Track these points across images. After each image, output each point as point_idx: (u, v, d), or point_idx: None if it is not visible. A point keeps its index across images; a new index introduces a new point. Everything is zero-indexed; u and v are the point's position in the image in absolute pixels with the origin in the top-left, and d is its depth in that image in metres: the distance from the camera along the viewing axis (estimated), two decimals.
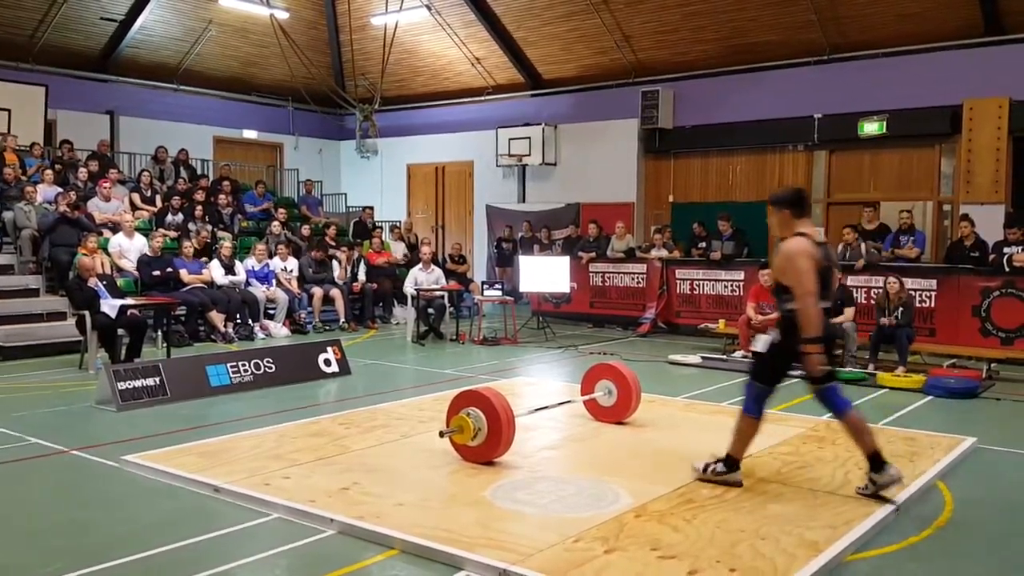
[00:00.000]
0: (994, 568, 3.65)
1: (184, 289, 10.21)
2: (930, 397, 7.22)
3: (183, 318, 10.07)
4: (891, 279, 8.54)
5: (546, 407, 5.65)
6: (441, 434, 4.93)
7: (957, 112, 11.25)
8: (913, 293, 9.05)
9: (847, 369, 8.28)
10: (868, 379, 7.91)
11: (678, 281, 11.60)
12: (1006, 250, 9.24)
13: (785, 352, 4.25)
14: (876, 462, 4.21)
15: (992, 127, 10.99)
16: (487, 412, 4.75)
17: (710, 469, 4.47)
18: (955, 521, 4.13)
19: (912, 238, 10.15)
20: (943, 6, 11.26)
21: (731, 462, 4.43)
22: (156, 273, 10.09)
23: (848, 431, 4.32)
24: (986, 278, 9.15)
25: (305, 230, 12.89)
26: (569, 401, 6.05)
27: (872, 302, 9.16)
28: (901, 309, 8.36)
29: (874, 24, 11.80)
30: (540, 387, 7.58)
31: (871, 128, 11.84)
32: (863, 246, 10.07)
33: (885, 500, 4.18)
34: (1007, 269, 9.09)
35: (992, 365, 8.37)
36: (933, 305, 9.39)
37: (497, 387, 6.03)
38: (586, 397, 5.93)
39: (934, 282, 9.43)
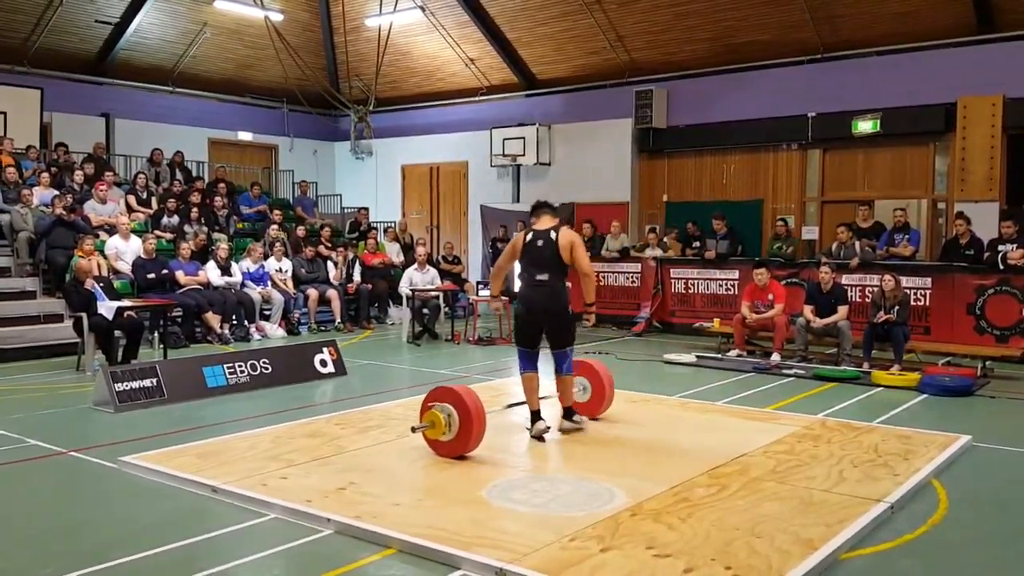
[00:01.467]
0: (988, 566, 3.67)
1: (180, 291, 10.22)
2: (925, 395, 7.23)
3: (179, 320, 10.07)
4: (887, 277, 8.55)
5: (522, 402, 5.75)
6: (413, 429, 5.05)
7: (951, 110, 11.28)
8: (908, 291, 9.08)
9: (841, 368, 8.33)
10: (862, 377, 7.93)
11: (673, 280, 11.62)
12: (1000, 248, 9.28)
13: (520, 317, 5.55)
14: (569, 412, 5.56)
15: (986, 125, 11.02)
16: (458, 408, 4.88)
17: (528, 424, 5.49)
18: (949, 519, 4.15)
19: (907, 236, 10.19)
20: (936, 4, 11.29)
21: (533, 416, 5.47)
22: (151, 276, 10.09)
23: (558, 387, 5.63)
24: (981, 276, 9.19)
25: (300, 231, 12.89)
26: (546, 397, 6.07)
27: (867, 300, 9.19)
28: (897, 307, 8.39)
29: (867, 22, 11.84)
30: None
31: (865, 127, 11.88)
32: (857, 244, 10.10)
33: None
34: (1002, 267, 9.13)
35: (987, 363, 8.39)
36: (928, 303, 9.43)
37: (492, 387, 6.05)
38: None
39: (929, 280, 9.46)
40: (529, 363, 5.55)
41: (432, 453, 5.06)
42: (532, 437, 5.45)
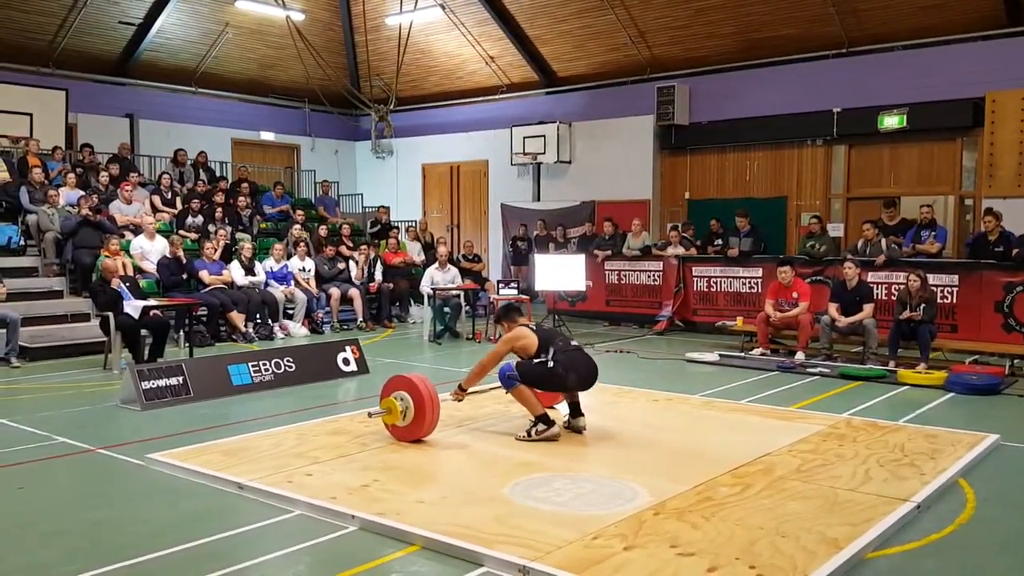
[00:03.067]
0: (1016, 565, 3.62)
1: (205, 290, 10.33)
2: (952, 394, 7.15)
3: (204, 319, 10.17)
4: (912, 278, 8.40)
5: (480, 391, 5.97)
6: (370, 414, 5.41)
7: (979, 105, 11.11)
8: (935, 289, 8.96)
9: (867, 366, 8.24)
10: (889, 376, 7.84)
11: (695, 278, 11.55)
12: None
13: (562, 379, 5.44)
14: (546, 420, 5.38)
15: (1015, 119, 10.84)
16: (413, 396, 5.21)
17: (533, 431, 5.35)
18: (977, 518, 4.10)
19: (933, 233, 10.04)
20: None
21: (544, 419, 5.38)
22: (175, 276, 10.20)
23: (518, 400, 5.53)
24: (1009, 273, 9.03)
25: (322, 231, 12.98)
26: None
27: (893, 298, 9.08)
28: (923, 305, 8.27)
29: (893, 16, 11.69)
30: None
31: (891, 122, 11.73)
32: (883, 242, 9.97)
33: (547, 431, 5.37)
34: None
35: (1015, 361, 8.27)
36: (955, 301, 9.29)
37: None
38: None
39: (956, 277, 9.32)
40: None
41: (457, 451, 5.11)
42: (538, 439, 5.33)
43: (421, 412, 5.19)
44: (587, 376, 5.52)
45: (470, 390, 5.73)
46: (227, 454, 5.06)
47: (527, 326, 5.70)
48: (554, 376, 5.40)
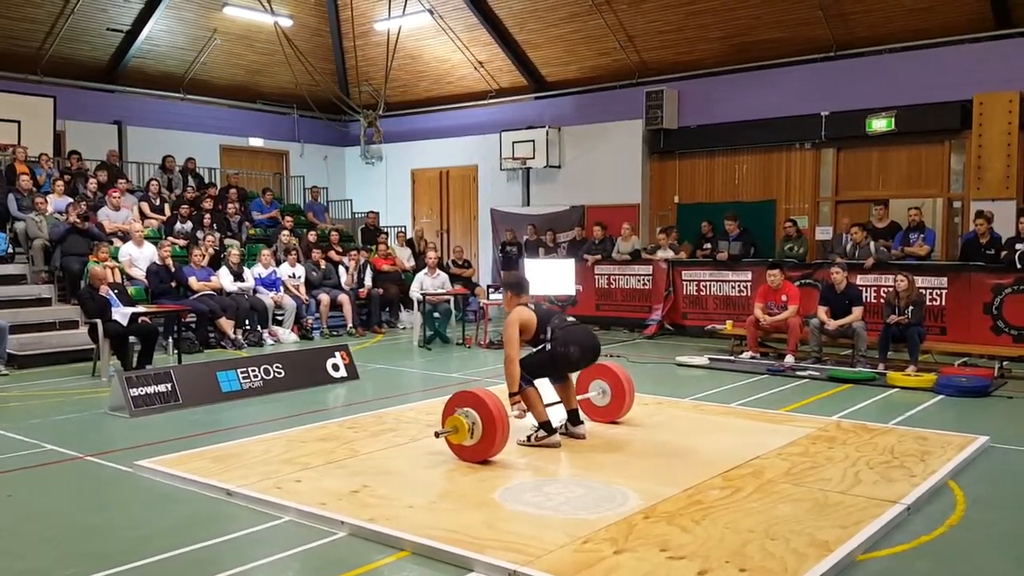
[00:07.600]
0: (1006, 566, 3.63)
1: (193, 296, 10.28)
2: (941, 396, 7.18)
3: (193, 325, 10.12)
4: (900, 277, 8.49)
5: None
6: (437, 434, 5.03)
7: (967, 107, 11.18)
8: (923, 291, 9.01)
9: (856, 369, 8.27)
10: (878, 379, 7.87)
11: (684, 282, 11.58)
12: (1018, 246, 9.19)
13: (565, 359, 5.42)
14: (548, 428, 5.35)
15: (1003, 122, 10.91)
16: (481, 412, 4.88)
17: (533, 437, 5.34)
18: (967, 520, 4.11)
19: (922, 235, 10.11)
20: (951, 0, 11.20)
21: (546, 427, 5.35)
22: (164, 283, 10.15)
23: (568, 391, 5.64)
24: (998, 275, 9.09)
25: (312, 236, 12.94)
26: (560, 401, 6.04)
27: (882, 301, 9.12)
28: (911, 307, 8.32)
29: (881, 19, 11.76)
30: (541, 389, 7.56)
31: (879, 125, 11.78)
32: (872, 244, 10.03)
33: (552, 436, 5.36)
34: (1019, 266, 9.04)
35: (1004, 363, 8.31)
36: (944, 303, 9.34)
37: (504, 390, 6.03)
38: (580, 397, 5.93)
39: (944, 280, 9.38)
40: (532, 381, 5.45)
41: (446, 456, 5.06)
42: (537, 445, 5.32)
43: (491, 430, 4.84)
44: (589, 347, 5.50)
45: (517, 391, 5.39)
46: (216, 461, 5.04)
47: (526, 305, 5.57)
48: (555, 356, 5.37)
